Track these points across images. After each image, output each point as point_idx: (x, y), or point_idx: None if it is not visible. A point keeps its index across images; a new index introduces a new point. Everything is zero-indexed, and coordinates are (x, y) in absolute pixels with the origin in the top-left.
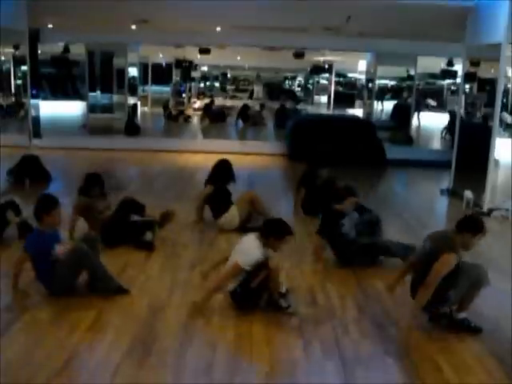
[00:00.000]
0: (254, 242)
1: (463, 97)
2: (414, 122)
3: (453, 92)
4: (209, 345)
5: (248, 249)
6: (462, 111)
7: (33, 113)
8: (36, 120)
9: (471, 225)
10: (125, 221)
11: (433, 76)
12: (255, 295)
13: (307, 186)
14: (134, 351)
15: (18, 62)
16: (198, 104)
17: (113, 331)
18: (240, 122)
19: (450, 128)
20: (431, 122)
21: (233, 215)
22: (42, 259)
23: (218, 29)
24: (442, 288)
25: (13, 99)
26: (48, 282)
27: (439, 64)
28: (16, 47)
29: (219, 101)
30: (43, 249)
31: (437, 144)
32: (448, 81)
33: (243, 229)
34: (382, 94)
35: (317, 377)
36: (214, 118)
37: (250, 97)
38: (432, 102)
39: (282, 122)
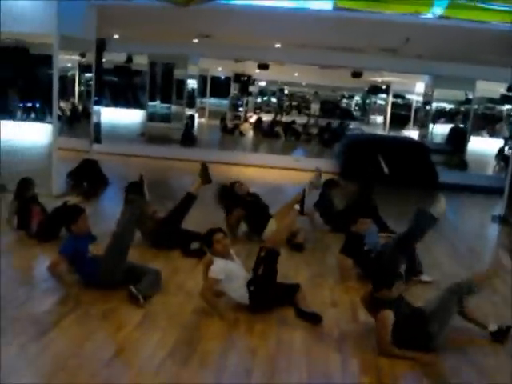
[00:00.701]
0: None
1: None
2: (470, 146)
3: (500, 119)
4: (250, 350)
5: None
6: None
7: (95, 119)
8: (97, 126)
9: (381, 282)
10: (176, 226)
11: (492, 101)
12: (267, 283)
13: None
14: (178, 351)
15: (83, 69)
16: (254, 118)
17: (159, 331)
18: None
19: (503, 154)
20: (486, 147)
21: (272, 231)
22: (78, 259)
23: (278, 45)
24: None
25: (78, 105)
26: (90, 275)
27: (499, 89)
28: (82, 55)
29: (275, 116)
30: (78, 251)
31: (491, 169)
32: (508, 106)
33: (289, 243)
34: (439, 116)
35: None
36: (266, 133)
37: (299, 112)
38: (485, 134)
39: (326, 140)
